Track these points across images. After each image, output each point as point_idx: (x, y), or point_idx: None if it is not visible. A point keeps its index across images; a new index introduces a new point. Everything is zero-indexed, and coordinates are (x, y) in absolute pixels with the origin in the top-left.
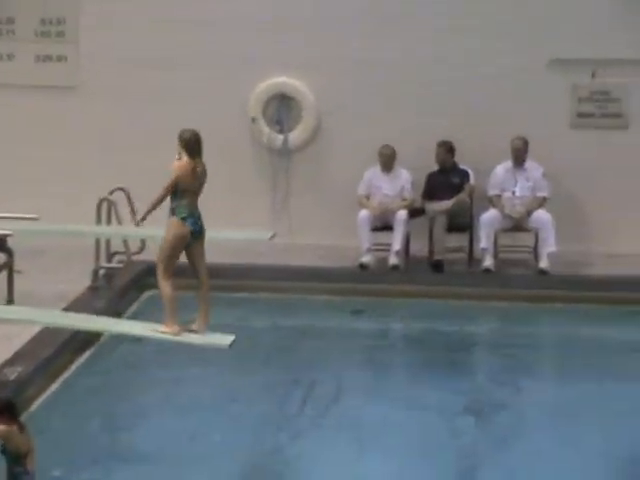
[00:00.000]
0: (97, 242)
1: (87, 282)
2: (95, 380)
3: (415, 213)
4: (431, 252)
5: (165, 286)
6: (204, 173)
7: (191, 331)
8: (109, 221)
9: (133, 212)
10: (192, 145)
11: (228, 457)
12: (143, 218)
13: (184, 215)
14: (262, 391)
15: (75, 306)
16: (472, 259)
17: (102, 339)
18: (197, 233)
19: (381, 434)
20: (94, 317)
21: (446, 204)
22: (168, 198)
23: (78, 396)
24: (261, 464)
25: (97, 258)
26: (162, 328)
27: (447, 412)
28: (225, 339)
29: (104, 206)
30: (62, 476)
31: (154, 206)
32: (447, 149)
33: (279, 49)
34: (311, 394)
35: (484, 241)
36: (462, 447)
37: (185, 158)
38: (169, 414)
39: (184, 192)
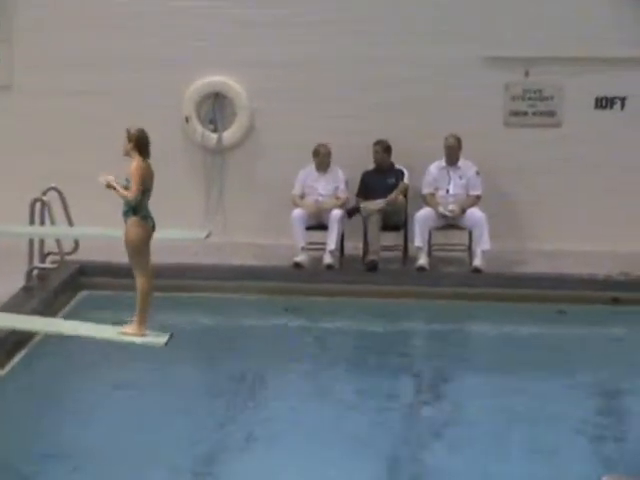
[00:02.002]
0: (30, 242)
1: (21, 283)
2: (28, 381)
3: (352, 212)
4: (365, 251)
5: (143, 284)
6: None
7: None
8: (42, 221)
9: (67, 212)
10: (144, 143)
11: (162, 452)
12: (110, 185)
13: (144, 214)
14: (196, 388)
15: (9, 307)
16: (407, 257)
17: (34, 340)
18: (153, 230)
19: (312, 431)
20: (47, 319)
21: (379, 203)
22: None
23: (11, 397)
24: (195, 459)
25: (30, 258)
26: (129, 329)
27: (379, 410)
28: (161, 337)
29: (37, 206)
30: None
31: (121, 195)
32: (384, 148)
33: (213, 48)
34: (244, 392)
35: (418, 239)
36: (395, 444)
37: (138, 157)
38: (104, 413)
39: (143, 192)
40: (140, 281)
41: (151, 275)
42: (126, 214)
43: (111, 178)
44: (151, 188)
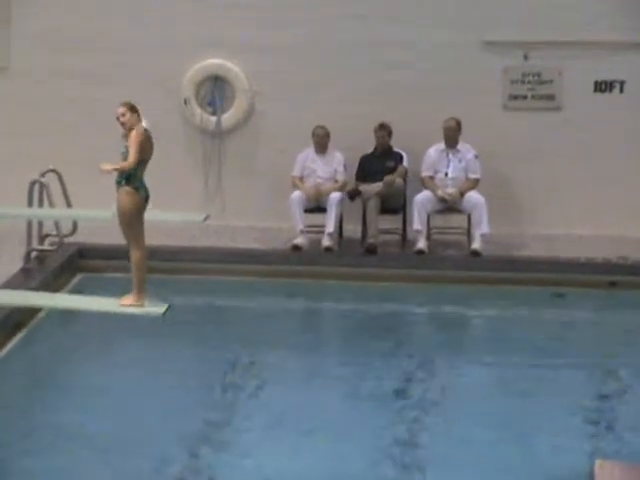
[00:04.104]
0: (29, 224)
1: (19, 264)
2: (29, 361)
3: (354, 195)
4: (364, 234)
5: (137, 255)
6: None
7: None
8: (41, 203)
9: (65, 194)
10: (140, 114)
11: (159, 436)
12: (108, 170)
13: (137, 184)
14: (196, 371)
15: (8, 288)
16: (405, 241)
17: (34, 321)
18: (147, 201)
19: (313, 414)
20: (46, 294)
21: (378, 186)
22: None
23: (12, 377)
24: (192, 442)
25: (29, 240)
26: (127, 301)
27: (380, 392)
28: (159, 308)
29: (36, 188)
30: None
31: (122, 169)
32: (389, 132)
33: (212, 30)
34: (244, 374)
35: (417, 223)
36: (392, 426)
37: (141, 126)
38: (102, 395)
39: (139, 161)
40: (134, 252)
41: (144, 246)
42: (119, 183)
43: (108, 167)
44: (148, 159)
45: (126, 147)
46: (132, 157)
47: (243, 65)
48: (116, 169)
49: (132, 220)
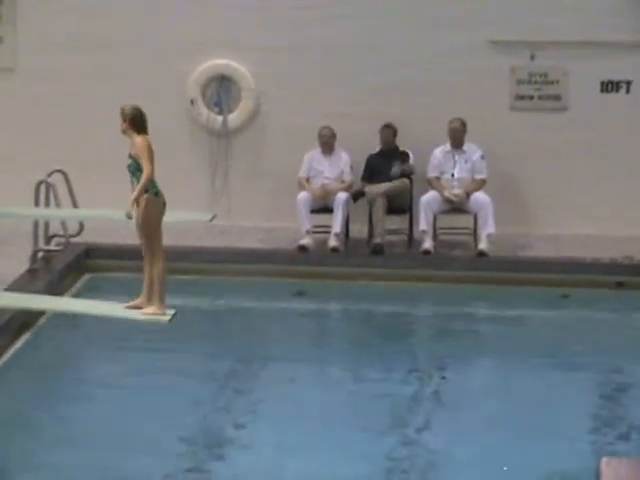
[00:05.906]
0: (35, 224)
1: (25, 265)
2: (34, 362)
3: (357, 196)
4: (371, 234)
5: (158, 265)
6: None
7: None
8: (47, 203)
9: (72, 194)
10: (139, 120)
11: (169, 436)
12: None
13: (156, 190)
14: (203, 372)
15: (14, 289)
16: (412, 241)
17: (39, 322)
18: (164, 206)
19: (321, 412)
20: (67, 299)
21: (384, 186)
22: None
23: (18, 378)
24: (201, 442)
25: (35, 241)
26: (149, 310)
27: (385, 392)
28: (165, 315)
29: (42, 188)
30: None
31: (143, 186)
32: (394, 132)
33: (218, 31)
34: (252, 374)
35: (423, 223)
36: (401, 426)
37: (136, 135)
38: (107, 396)
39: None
40: (155, 264)
41: (163, 255)
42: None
43: (131, 204)
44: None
45: (131, 159)
46: (147, 168)
47: (249, 65)
48: (138, 195)
49: (155, 229)
